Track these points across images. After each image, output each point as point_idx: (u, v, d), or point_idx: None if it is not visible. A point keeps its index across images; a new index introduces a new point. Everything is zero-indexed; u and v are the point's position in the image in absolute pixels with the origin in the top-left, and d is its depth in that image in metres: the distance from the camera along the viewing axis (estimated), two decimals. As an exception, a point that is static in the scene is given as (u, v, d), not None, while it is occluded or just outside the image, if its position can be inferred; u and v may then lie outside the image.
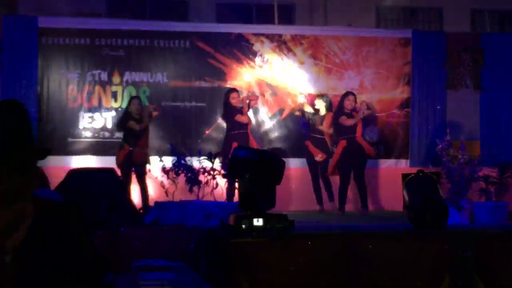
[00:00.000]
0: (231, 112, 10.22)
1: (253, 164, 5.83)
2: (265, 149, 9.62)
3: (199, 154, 8.89)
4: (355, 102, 10.28)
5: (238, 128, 10.13)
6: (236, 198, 7.47)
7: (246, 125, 10.22)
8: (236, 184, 7.26)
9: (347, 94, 10.43)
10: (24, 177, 2.85)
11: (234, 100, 10.21)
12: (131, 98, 10.30)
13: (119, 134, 10.40)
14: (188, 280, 5.84)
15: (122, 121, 10.13)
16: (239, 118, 10.15)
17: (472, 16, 14.02)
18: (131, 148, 9.83)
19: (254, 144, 10.03)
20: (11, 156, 2.89)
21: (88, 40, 10.98)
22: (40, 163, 3.03)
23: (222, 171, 8.46)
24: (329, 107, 10.46)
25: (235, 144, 9.47)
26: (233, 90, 10.50)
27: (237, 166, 5.96)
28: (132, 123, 9.95)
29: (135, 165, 9.85)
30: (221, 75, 11.27)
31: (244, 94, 10.91)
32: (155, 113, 10.32)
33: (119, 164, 9.80)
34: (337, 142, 10.18)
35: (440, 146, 7.70)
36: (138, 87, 11.07)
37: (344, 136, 10.09)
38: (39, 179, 5.47)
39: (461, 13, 13.80)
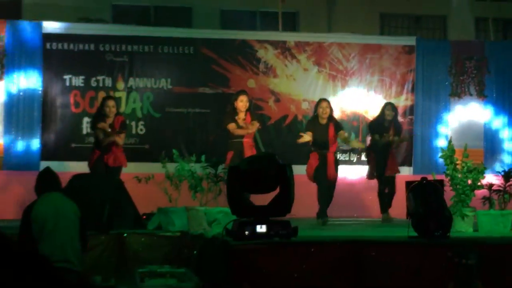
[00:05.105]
0: (227, 118, 9.54)
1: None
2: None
3: (202, 160, 8.83)
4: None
5: (235, 137, 9.42)
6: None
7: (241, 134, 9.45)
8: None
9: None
10: None
11: (241, 103, 9.38)
12: (104, 99, 9.55)
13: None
14: (192, 287, 5.84)
15: (93, 121, 9.45)
16: (230, 126, 9.42)
17: (476, 24, 14.02)
18: (101, 153, 9.14)
19: (250, 153, 9.13)
20: None
21: (92, 46, 10.99)
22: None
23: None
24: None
25: (230, 154, 9.32)
26: (242, 92, 9.72)
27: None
28: (104, 125, 9.21)
29: (109, 169, 9.16)
30: (225, 81, 11.28)
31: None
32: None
33: (90, 168, 9.17)
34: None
35: (444, 153, 7.66)
36: (142, 93, 11.08)
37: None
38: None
39: (465, 21, 13.81)
